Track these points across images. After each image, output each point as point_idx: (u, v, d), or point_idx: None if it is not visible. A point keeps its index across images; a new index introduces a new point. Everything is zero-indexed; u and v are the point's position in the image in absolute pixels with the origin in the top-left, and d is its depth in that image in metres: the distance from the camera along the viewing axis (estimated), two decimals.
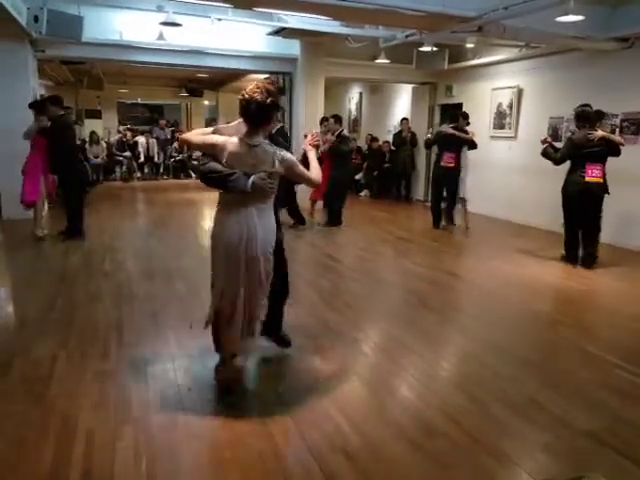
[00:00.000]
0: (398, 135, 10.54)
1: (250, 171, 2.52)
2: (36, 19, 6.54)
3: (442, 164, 7.41)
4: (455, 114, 7.72)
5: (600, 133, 5.45)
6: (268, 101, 2.53)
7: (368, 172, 11.21)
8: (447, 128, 7.45)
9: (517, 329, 4.00)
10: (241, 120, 2.63)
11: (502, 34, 5.82)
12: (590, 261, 5.55)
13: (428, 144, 8.10)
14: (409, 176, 10.63)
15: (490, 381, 3.02)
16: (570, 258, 5.68)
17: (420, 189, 10.65)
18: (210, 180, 2.56)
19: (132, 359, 3.15)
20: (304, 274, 5.09)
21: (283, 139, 3.14)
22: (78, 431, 2.36)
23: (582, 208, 5.48)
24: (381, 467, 2.22)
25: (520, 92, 8.26)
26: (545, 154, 5.85)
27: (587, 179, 5.43)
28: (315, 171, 2.74)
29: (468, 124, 7.48)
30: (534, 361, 3.33)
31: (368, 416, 2.61)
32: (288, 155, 2.63)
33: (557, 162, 5.72)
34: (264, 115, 2.56)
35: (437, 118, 10.33)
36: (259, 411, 2.60)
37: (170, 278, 4.86)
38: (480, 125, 8.70)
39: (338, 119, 7.74)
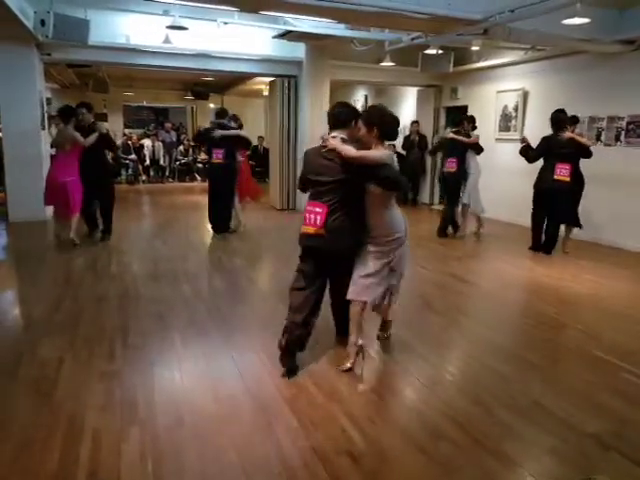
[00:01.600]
0: (407, 138, 10.52)
1: None
2: (43, 23, 6.58)
3: (445, 169, 7.39)
4: (460, 119, 7.53)
5: (568, 134, 6.05)
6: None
7: None
8: (448, 133, 7.38)
9: (522, 332, 3.99)
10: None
11: (508, 37, 5.81)
12: (549, 247, 6.30)
13: (432, 152, 8.14)
14: (417, 180, 10.60)
15: (495, 384, 3.01)
16: (534, 246, 6.39)
17: (426, 193, 10.64)
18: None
19: (138, 360, 3.16)
20: None
21: None
22: (85, 432, 2.37)
23: (550, 203, 6.13)
24: (386, 469, 2.22)
25: (526, 94, 8.25)
26: (522, 152, 6.46)
27: (555, 177, 6.02)
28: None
29: (474, 128, 7.30)
30: (539, 364, 3.31)
31: (373, 418, 2.60)
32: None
33: (530, 160, 6.38)
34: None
35: (442, 121, 10.33)
36: (264, 413, 2.60)
37: (176, 280, 4.87)
38: (485, 128, 8.69)
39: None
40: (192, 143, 14.21)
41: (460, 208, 7.46)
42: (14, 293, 4.72)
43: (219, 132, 6.86)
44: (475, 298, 4.91)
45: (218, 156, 6.88)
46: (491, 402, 2.78)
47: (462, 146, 7.09)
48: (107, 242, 6.47)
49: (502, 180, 8.49)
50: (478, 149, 7.21)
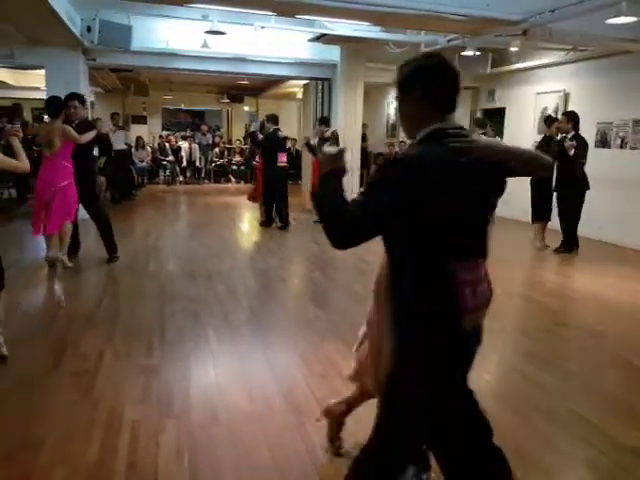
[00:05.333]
0: None
1: None
2: (89, 29, 6.86)
3: None
4: (484, 122, 7.71)
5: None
6: None
7: None
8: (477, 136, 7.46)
9: (559, 340, 3.88)
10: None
11: (548, 37, 5.69)
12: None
13: None
14: None
15: (532, 393, 2.94)
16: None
17: None
18: None
19: (174, 356, 3.24)
20: (337, 279, 5.11)
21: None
22: (123, 424, 2.45)
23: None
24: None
25: (567, 96, 8.04)
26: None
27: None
28: None
29: (492, 130, 7.58)
30: (577, 373, 3.23)
31: None
32: None
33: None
34: None
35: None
36: (297, 412, 2.62)
37: (210, 280, 4.97)
38: (523, 130, 8.52)
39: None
40: (244, 145, 14.52)
41: None
42: (60, 289, 4.89)
43: (282, 134, 7.58)
44: (509, 304, 4.82)
45: (283, 159, 7.50)
46: (528, 411, 2.72)
47: None
48: (116, 262, 5.47)
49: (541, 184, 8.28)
50: None
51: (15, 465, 2.14)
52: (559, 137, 6.20)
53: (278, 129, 7.62)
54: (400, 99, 1.57)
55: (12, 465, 2.14)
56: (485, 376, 3.28)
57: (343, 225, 1.38)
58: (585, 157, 6.11)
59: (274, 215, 7.87)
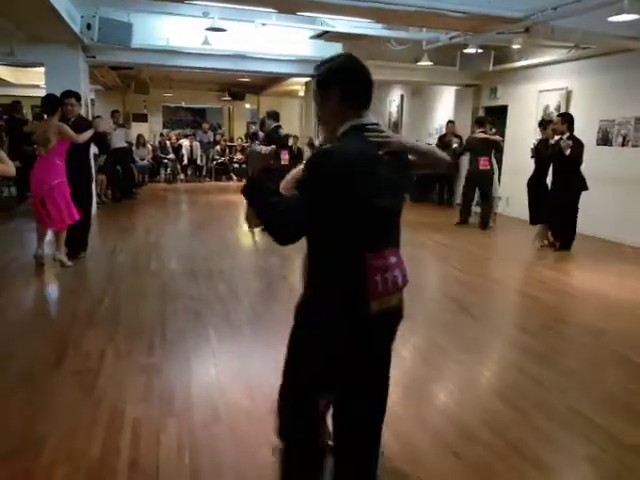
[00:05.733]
0: (442, 138, 10.40)
1: None
2: (89, 26, 6.84)
3: (480, 168, 7.82)
4: (482, 120, 8.15)
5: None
6: None
7: None
8: (478, 133, 7.86)
9: (559, 337, 3.88)
10: None
11: (551, 35, 5.66)
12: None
13: (458, 154, 8.37)
14: (452, 180, 10.46)
15: (532, 390, 2.94)
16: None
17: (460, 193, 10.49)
18: None
19: (176, 355, 3.24)
20: None
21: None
22: (125, 422, 2.45)
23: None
24: (419, 473, 2.20)
25: (569, 94, 8.01)
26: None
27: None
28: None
29: (491, 129, 7.96)
30: (578, 370, 3.23)
31: (406, 421, 2.59)
32: None
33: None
34: None
35: None
36: None
37: (212, 279, 4.96)
38: (526, 128, 8.50)
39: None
40: (245, 144, 14.54)
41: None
42: (61, 287, 4.90)
43: (283, 131, 7.46)
44: (511, 302, 4.82)
45: (285, 157, 7.34)
46: (528, 408, 2.72)
47: (489, 145, 7.79)
48: (82, 259, 5.42)
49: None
50: (500, 149, 8.11)
51: (18, 463, 2.15)
52: (555, 138, 6.18)
53: (279, 126, 7.49)
54: (320, 97, 1.66)
55: (15, 463, 2.15)
56: (485, 372, 3.28)
57: (285, 224, 1.49)
58: (581, 157, 6.10)
59: None
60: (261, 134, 7.72)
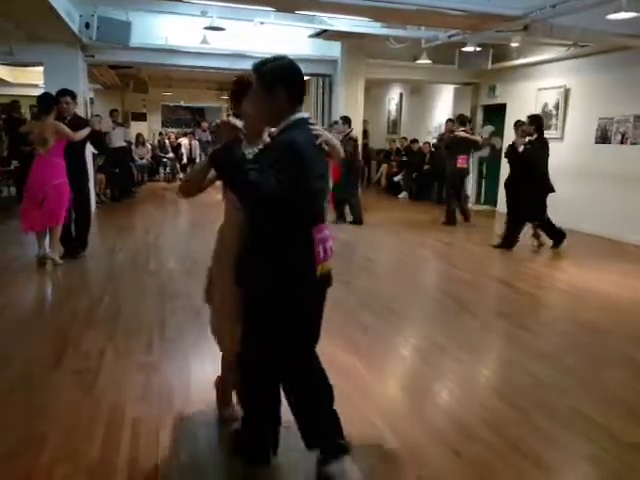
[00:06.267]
0: (441, 136, 10.39)
1: None
2: (87, 25, 6.83)
3: (458, 166, 8.00)
4: (464, 119, 8.32)
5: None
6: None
7: (407, 174, 11.12)
8: (460, 132, 8.00)
9: (562, 336, 3.89)
10: None
11: (549, 33, 5.67)
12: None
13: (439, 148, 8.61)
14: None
15: (532, 388, 2.95)
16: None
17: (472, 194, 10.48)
18: None
19: (175, 353, 3.24)
20: (340, 275, 5.08)
21: None
22: (125, 421, 2.45)
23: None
24: (418, 471, 2.21)
25: (567, 92, 8.02)
26: None
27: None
28: None
29: (472, 128, 8.48)
30: (580, 370, 3.22)
31: (406, 419, 2.59)
32: None
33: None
34: None
35: (480, 119, 10.15)
36: None
37: None
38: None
39: (347, 120, 8.06)
40: None
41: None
42: (61, 286, 4.90)
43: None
44: (512, 300, 4.82)
45: None
46: (528, 406, 2.73)
47: (468, 144, 7.97)
48: (82, 259, 5.47)
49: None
50: (478, 147, 8.30)
51: (17, 462, 2.15)
52: (527, 140, 6.24)
53: None
54: (262, 95, 1.86)
55: (14, 462, 2.15)
56: (484, 371, 3.28)
57: (263, 195, 1.69)
58: (541, 160, 6.12)
59: None
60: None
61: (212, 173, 1.94)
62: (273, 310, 1.91)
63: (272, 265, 1.86)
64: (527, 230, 6.56)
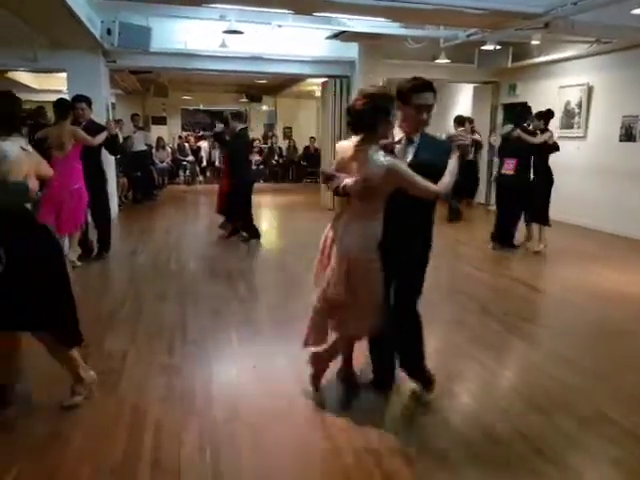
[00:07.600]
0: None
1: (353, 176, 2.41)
2: (109, 31, 6.94)
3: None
4: (462, 120, 8.20)
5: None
6: (364, 107, 2.44)
7: None
8: (458, 132, 7.90)
9: (585, 339, 3.81)
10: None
11: (571, 30, 5.57)
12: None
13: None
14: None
15: (556, 391, 2.90)
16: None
17: (482, 193, 10.36)
18: None
19: (196, 355, 3.27)
20: None
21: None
22: (147, 422, 2.49)
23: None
24: (440, 472, 2.19)
25: (590, 90, 7.87)
26: None
27: None
28: (445, 178, 2.49)
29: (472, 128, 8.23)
30: (604, 373, 3.16)
31: (427, 421, 2.57)
32: (388, 160, 2.36)
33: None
34: (361, 121, 2.47)
35: (500, 118, 10.02)
36: (318, 411, 2.62)
37: (231, 279, 5.00)
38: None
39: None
40: (263, 145, 14.66)
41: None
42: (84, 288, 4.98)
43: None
44: (535, 302, 4.74)
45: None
46: (552, 409, 2.68)
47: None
48: (105, 260, 5.59)
49: (564, 180, 8.14)
50: (479, 146, 8.20)
51: (43, 462, 2.19)
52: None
53: (246, 127, 6.97)
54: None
55: (40, 462, 2.19)
56: (506, 373, 3.24)
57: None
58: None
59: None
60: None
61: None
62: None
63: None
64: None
